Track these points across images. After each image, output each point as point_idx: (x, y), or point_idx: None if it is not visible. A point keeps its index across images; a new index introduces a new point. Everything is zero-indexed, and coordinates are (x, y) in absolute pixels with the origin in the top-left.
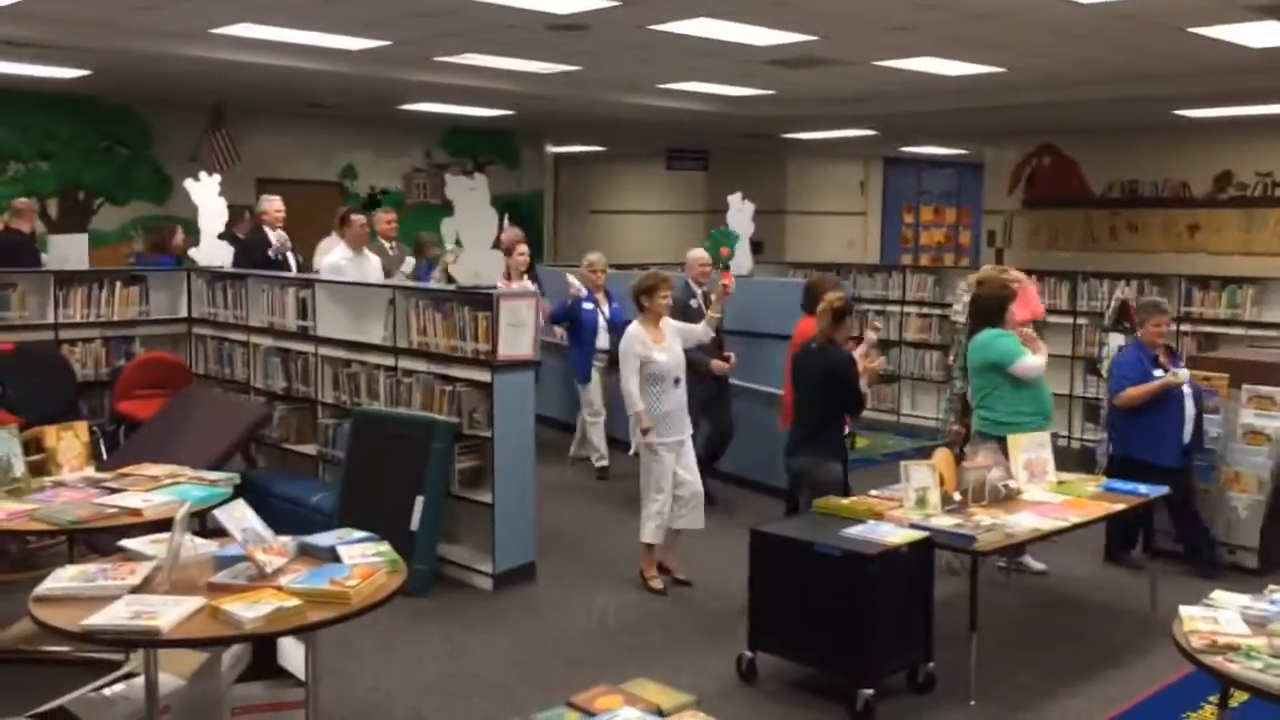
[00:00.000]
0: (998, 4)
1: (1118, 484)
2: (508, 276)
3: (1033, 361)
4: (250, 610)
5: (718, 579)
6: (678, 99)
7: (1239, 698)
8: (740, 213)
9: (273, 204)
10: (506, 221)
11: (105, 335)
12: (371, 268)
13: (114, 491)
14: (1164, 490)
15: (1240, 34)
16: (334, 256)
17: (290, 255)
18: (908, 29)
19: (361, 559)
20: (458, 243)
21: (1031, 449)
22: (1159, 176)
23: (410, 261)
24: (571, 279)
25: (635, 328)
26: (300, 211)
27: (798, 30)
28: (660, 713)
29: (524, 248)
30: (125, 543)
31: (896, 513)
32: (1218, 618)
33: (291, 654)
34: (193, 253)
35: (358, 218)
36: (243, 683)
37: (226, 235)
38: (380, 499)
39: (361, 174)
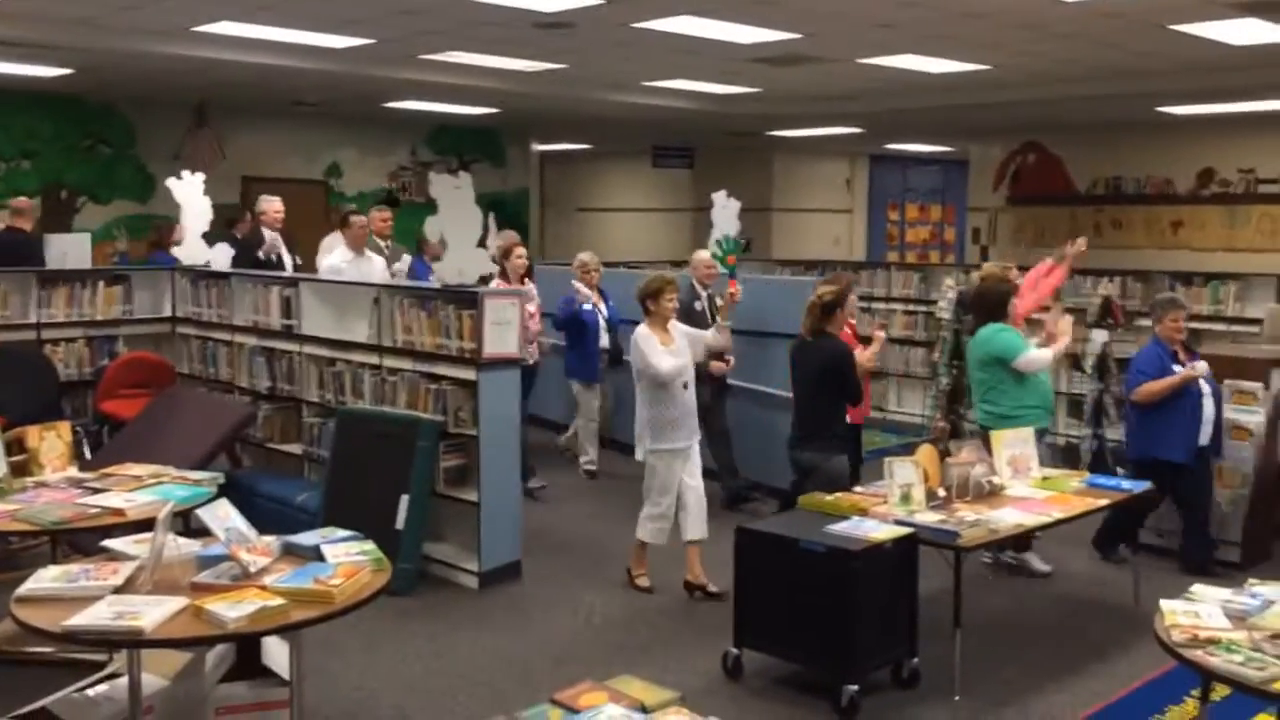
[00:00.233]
0: (982, 2)
1: (1101, 479)
2: (506, 279)
3: (1037, 355)
4: (234, 610)
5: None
6: (663, 97)
7: (1221, 691)
8: (725, 210)
9: (272, 205)
10: (493, 220)
11: (88, 335)
12: (373, 269)
13: (97, 492)
14: (1147, 485)
15: (1222, 31)
16: (334, 258)
17: (286, 256)
18: (892, 26)
19: (346, 558)
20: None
21: (1015, 445)
22: (1142, 173)
23: (407, 259)
24: (580, 286)
25: (644, 330)
26: (286, 210)
27: (782, 28)
28: (644, 709)
29: (522, 250)
30: (108, 543)
31: (881, 509)
32: (1199, 612)
33: (276, 653)
34: (175, 252)
35: (358, 218)
36: (227, 682)
37: (226, 236)
38: (365, 498)
39: (347, 172)
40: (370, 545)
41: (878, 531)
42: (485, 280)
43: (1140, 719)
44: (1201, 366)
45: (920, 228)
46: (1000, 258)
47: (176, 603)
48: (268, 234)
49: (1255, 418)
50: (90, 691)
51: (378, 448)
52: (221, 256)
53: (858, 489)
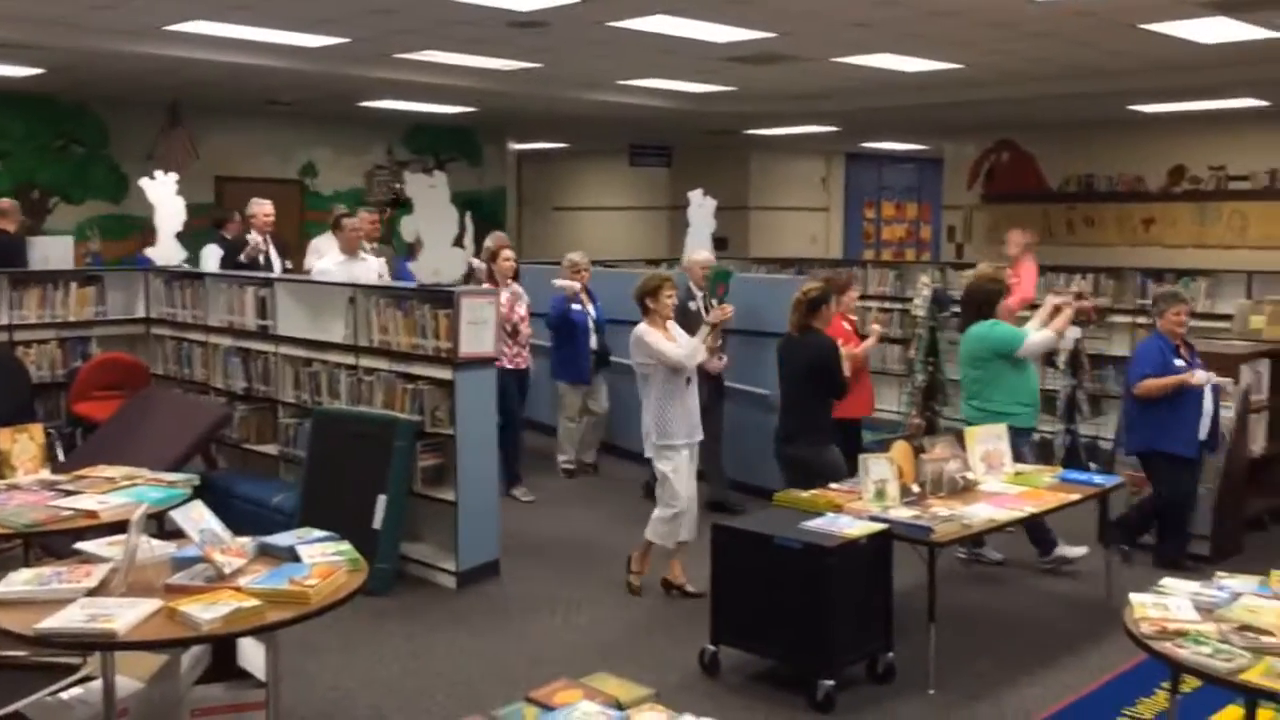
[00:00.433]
0: (956, 1)
1: (1074, 474)
2: (494, 281)
3: (1037, 338)
4: (208, 611)
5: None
6: (639, 95)
7: (1191, 683)
8: (701, 208)
9: (262, 208)
10: (469, 220)
11: (61, 336)
12: (365, 271)
13: (70, 494)
14: (1119, 480)
15: (1192, 30)
16: (325, 262)
17: (275, 260)
18: (867, 25)
19: (321, 558)
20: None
21: (989, 440)
22: (1114, 171)
23: (383, 262)
24: (563, 283)
25: (644, 327)
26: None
27: (757, 27)
28: (619, 706)
29: (509, 252)
30: (81, 545)
31: (856, 505)
32: (1168, 605)
33: (252, 655)
34: (149, 252)
35: (350, 221)
36: (202, 684)
37: (215, 237)
38: (342, 498)
39: (322, 172)
40: (346, 545)
41: (852, 528)
42: (469, 278)
43: (1112, 711)
44: (1200, 375)
45: (896, 226)
46: (976, 254)
47: (150, 605)
48: (250, 237)
49: (1225, 413)
50: (64, 695)
51: (354, 448)
52: (211, 257)
53: (834, 485)
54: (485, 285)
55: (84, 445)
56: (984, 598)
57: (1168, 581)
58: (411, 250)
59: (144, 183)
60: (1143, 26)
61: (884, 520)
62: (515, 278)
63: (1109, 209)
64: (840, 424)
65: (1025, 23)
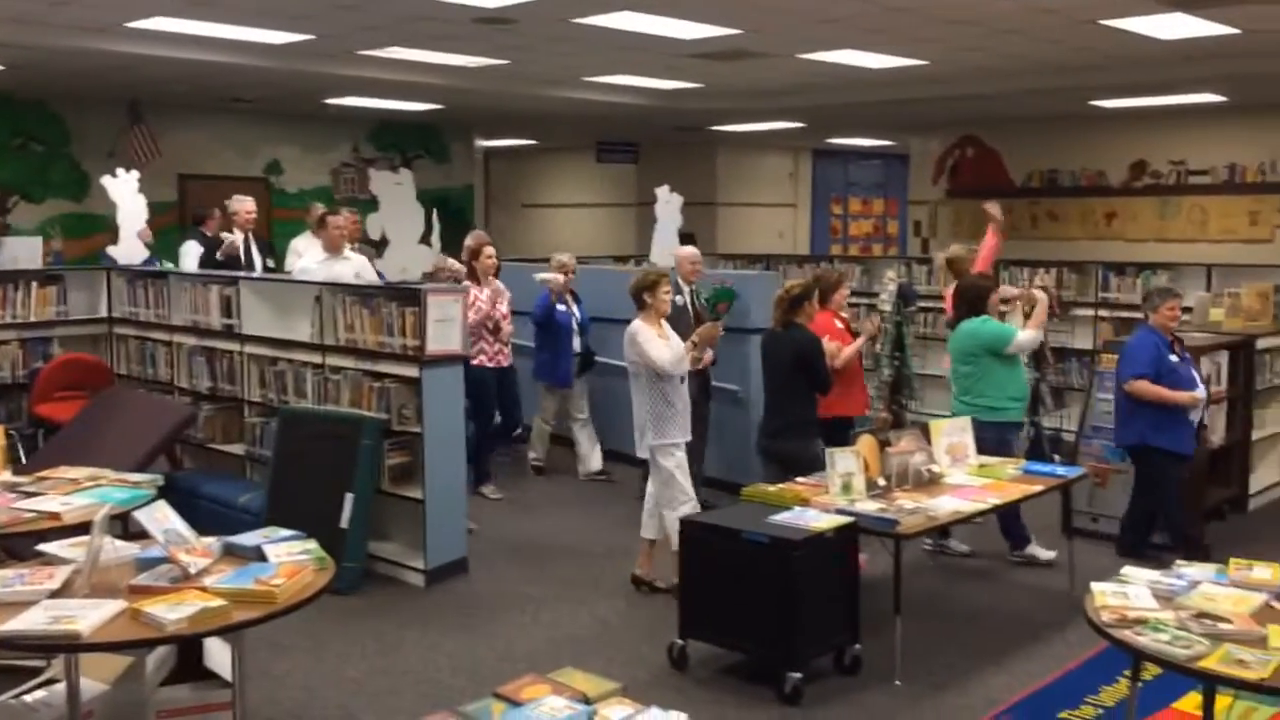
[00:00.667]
0: None
1: (1037, 466)
2: (476, 279)
3: (1026, 336)
4: (173, 612)
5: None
6: (606, 92)
7: (1152, 670)
8: (668, 205)
9: (244, 205)
10: (435, 217)
11: (22, 336)
12: (348, 270)
13: (32, 495)
14: (1082, 471)
15: (1151, 26)
16: (305, 261)
17: (257, 258)
18: (832, 21)
19: (288, 557)
20: (383, 239)
21: (954, 433)
22: (1077, 166)
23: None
24: (546, 276)
25: (638, 324)
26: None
27: (723, 24)
28: (586, 700)
29: (491, 249)
30: (44, 547)
31: (822, 499)
32: (1128, 593)
33: (218, 655)
34: (111, 250)
35: (333, 219)
36: (168, 686)
37: (195, 234)
38: (309, 497)
39: (287, 170)
40: (313, 544)
41: (819, 521)
42: (432, 275)
43: (1075, 699)
44: (1201, 394)
45: (863, 221)
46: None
47: (115, 606)
48: (226, 236)
49: None
50: (28, 698)
51: (321, 447)
52: (189, 255)
53: (800, 479)
54: (466, 283)
55: (46, 446)
56: (949, 589)
57: (1128, 570)
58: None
59: (105, 181)
60: (1103, 23)
61: (850, 513)
62: (496, 275)
63: (1072, 203)
64: (834, 422)
65: (988, 19)
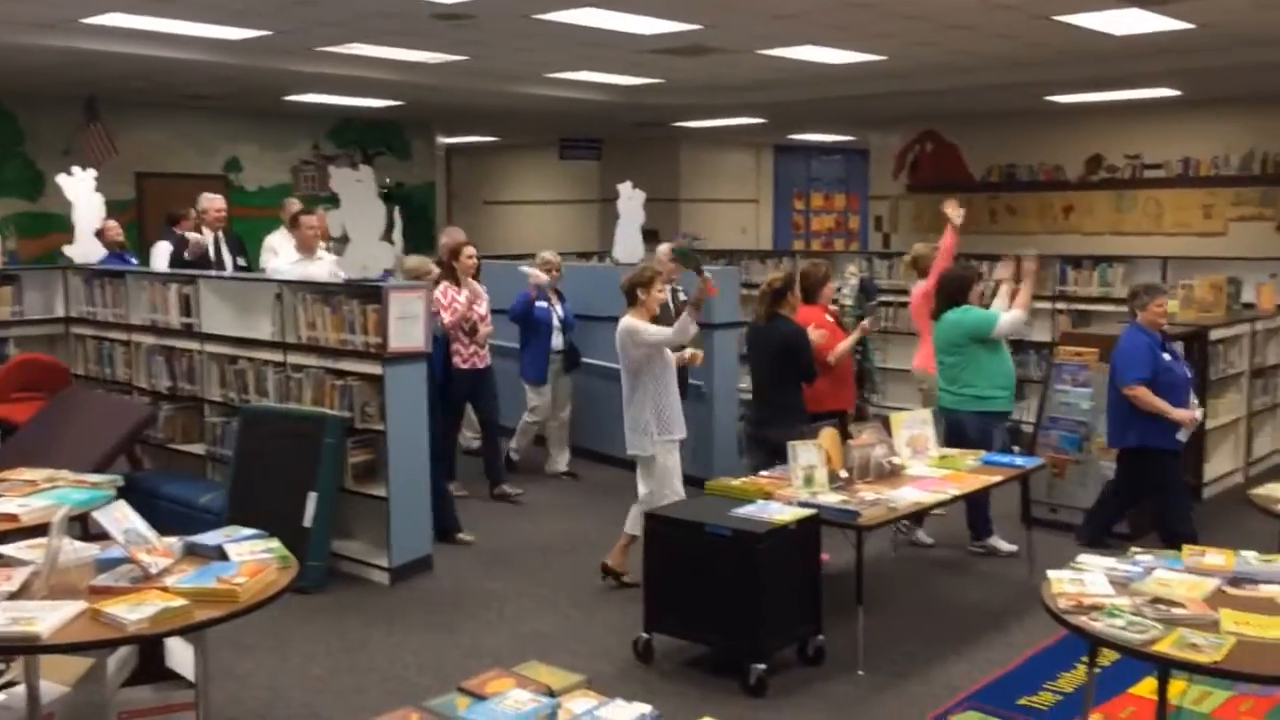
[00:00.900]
0: None
1: (996, 457)
2: (454, 280)
3: (1010, 318)
4: (134, 612)
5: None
6: (567, 88)
7: (1109, 656)
8: (631, 201)
9: (214, 204)
10: (397, 214)
11: None
12: (319, 270)
13: None
14: (1040, 461)
15: (1105, 22)
16: (279, 262)
17: (227, 257)
18: (791, 17)
19: (250, 556)
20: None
21: (914, 426)
22: (1035, 160)
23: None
24: (531, 270)
25: (630, 318)
26: (184, 206)
27: (684, 20)
28: (551, 693)
29: (472, 250)
30: (1, 549)
31: (785, 491)
32: (1084, 580)
33: (181, 656)
34: (67, 250)
35: (306, 219)
36: (130, 687)
37: (168, 234)
38: (272, 497)
39: (246, 167)
40: (275, 543)
41: (781, 514)
42: (391, 272)
43: (1035, 685)
44: (1198, 416)
45: (825, 216)
46: (903, 244)
47: (74, 607)
48: (192, 236)
49: None
50: None
51: (283, 446)
52: (160, 254)
53: (763, 473)
54: (445, 284)
55: (3, 448)
56: (910, 580)
57: (1084, 558)
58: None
59: (61, 180)
60: (1058, 19)
61: (812, 505)
62: (476, 276)
63: (1030, 198)
64: (826, 416)
65: (943, 15)
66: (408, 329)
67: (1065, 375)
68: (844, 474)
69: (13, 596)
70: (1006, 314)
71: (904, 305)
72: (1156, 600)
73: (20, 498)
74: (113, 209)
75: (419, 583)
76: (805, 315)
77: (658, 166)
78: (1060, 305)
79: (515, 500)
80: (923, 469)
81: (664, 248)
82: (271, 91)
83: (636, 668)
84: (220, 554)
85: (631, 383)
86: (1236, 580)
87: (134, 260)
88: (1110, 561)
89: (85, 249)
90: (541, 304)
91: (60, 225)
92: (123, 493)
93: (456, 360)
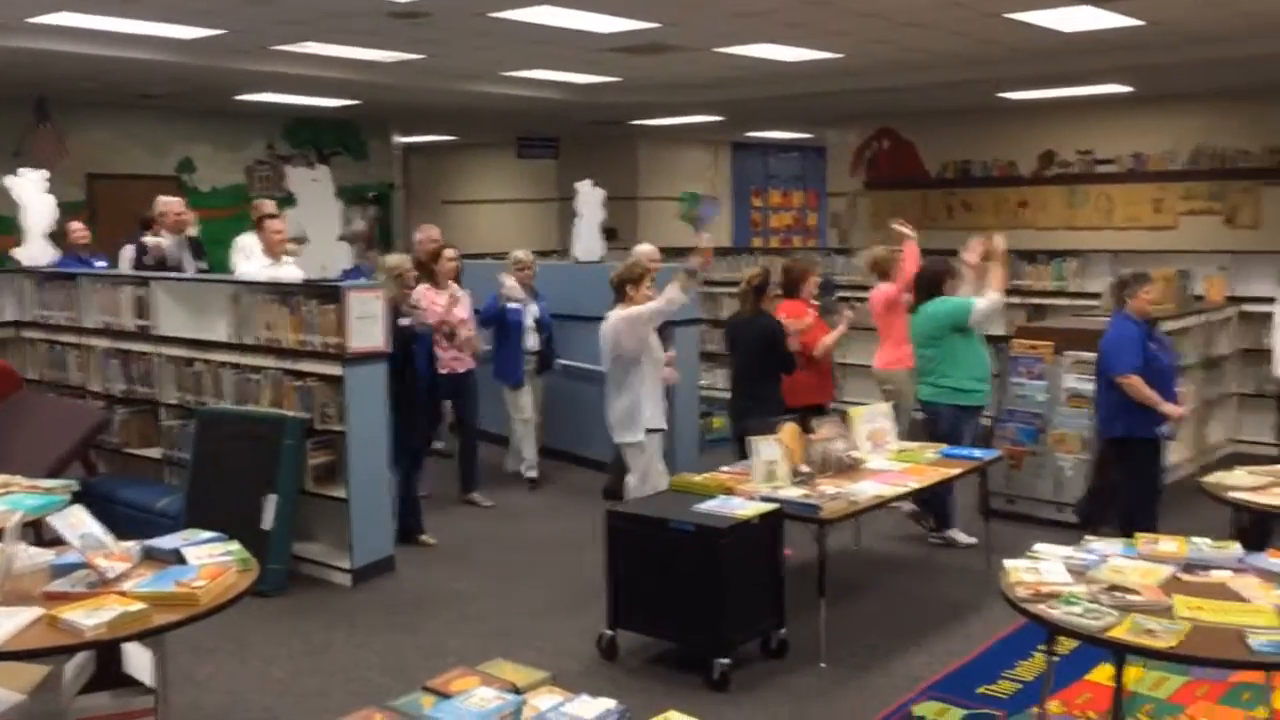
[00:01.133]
0: None
1: (955, 450)
2: (434, 283)
3: (986, 303)
4: (91, 618)
5: (575, 558)
6: (525, 87)
7: (1066, 645)
8: (590, 199)
9: (172, 207)
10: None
11: None
12: (292, 276)
13: None
14: (997, 454)
15: (1056, 19)
16: (251, 266)
17: (189, 261)
18: (748, 15)
19: (209, 559)
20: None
21: (874, 420)
22: (989, 157)
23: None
24: (507, 281)
25: (618, 311)
26: (136, 207)
27: (640, 17)
28: (516, 690)
29: (453, 252)
30: None
31: (747, 487)
32: (1040, 569)
33: (139, 661)
34: (15, 253)
35: (272, 223)
36: (87, 693)
37: (136, 238)
38: (230, 500)
39: (200, 167)
40: (235, 545)
41: (744, 509)
42: (399, 277)
43: (994, 674)
44: (1185, 412)
45: (784, 213)
46: (862, 242)
47: (30, 613)
48: (151, 241)
49: (1093, 386)
50: None
51: (241, 448)
52: (125, 258)
53: (724, 468)
54: (424, 287)
55: None
56: (871, 573)
57: (1041, 547)
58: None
59: (9, 181)
60: (1010, 16)
61: (774, 500)
62: (457, 279)
63: (985, 193)
64: (808, 410)
65: (897, 12)
66: (367, 329)
67: (1021, 368)
68: (805, 468)
69: None
70: (982, 298)
71: (862, 300)
72: (1112, 587)
73: None
74: (64, 210)
75: (381, 584)
76: (788, 309)
77: (615, 165)
78: (1015, 299)
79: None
80: (882, 462)
81: (644, 247)
82: (224, 91)
83: (601, 665)
84: (179, 558)
85: (621, 375)
86: (1190, 566)
87: (103, 264)
88: (1067, 550)
89: (35, 251)
90: (513, 305)
91: (8, 228)
92: (78, 498)
93: (436, 364)
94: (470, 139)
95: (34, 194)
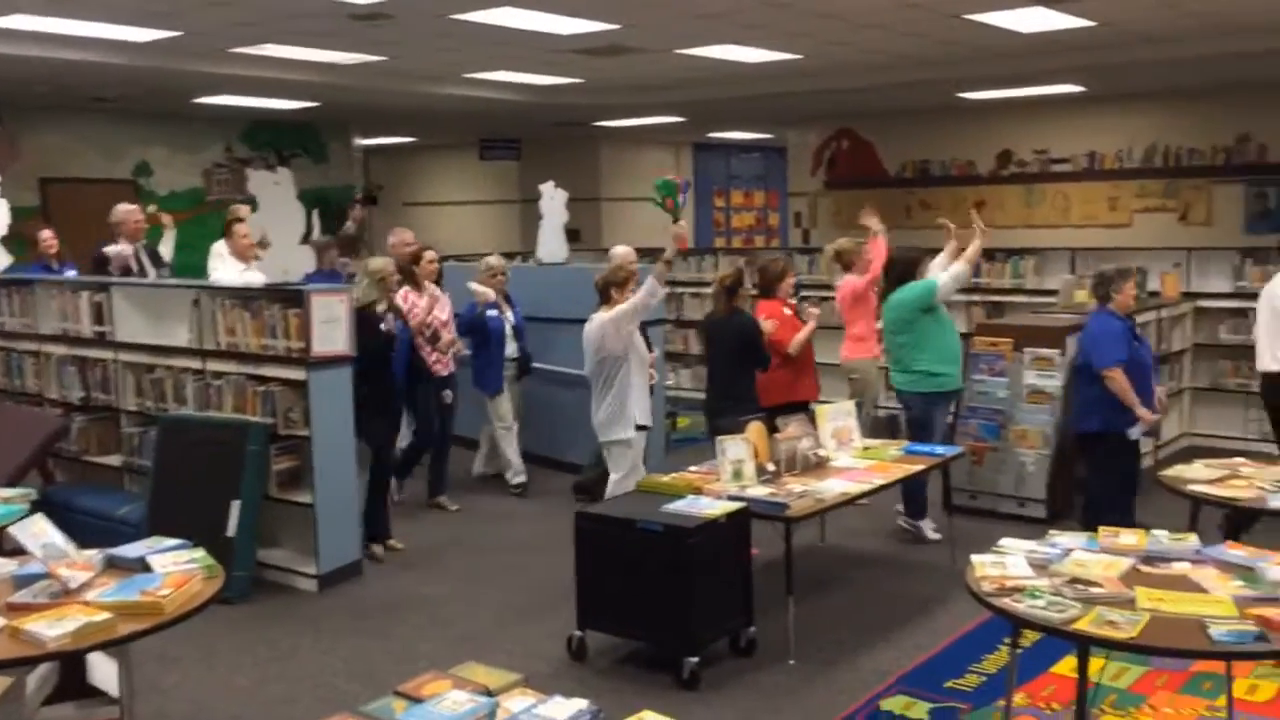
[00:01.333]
0: None
1: (918, 447)
2: (416, 286)
3: (948, 277)
4: (54, 628)
5: (543, 560)
6: (486, 89)
7: (1030, 637)
8: (553, 200)
9: (131, 215)
10: (316, 217)
11: None
12: (259, 281)
13: None
14: (959, 450)
15: (1013, 20)
16: (225, 273)
17: (150, 268)
18: (708, 17)
19: (175, 567)
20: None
21: (839, 418)
22: (947, 156)
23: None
24: (477, 287)
25: (602, 313)
26: (92, 211)
27: (601, 19)
28: (489, 693)
29: (432, 254)
30: None
31: (715, 486)
32: (1005, 563)
33: (103, 671)
34: None
35: (240, 227)
36: (50, 705)
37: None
38: (193, 507)
39: (156, 171)
40: (201, 553)
41: (712, 508)
42: (382, 281)
43: (960, 668)
44: (1155, 417)
45: (745, 213)
46: (822, 239)
47: None
48: (112, 250)
49: (1053, 382)
50: None
51: (204, 455)
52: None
53: (692, 468)
54: (405, 290)
55: None
56: (839, 569)
57: (1005, 541)
58: (320, 252)
59: None
60: (967, 17)
61: (742, 499)
62: (438, 281)
63: (944, 192)
64: (786, 408)
65: (856, 14)
66: (331, 333)
67: (982, 365)
68: (771, 467)
69: None
70: (946, 274)
71: (825, 299)
72: (1075, 580)
73: None
74: (17, 216)
75: (348, 589)
76: (764, 309)
77: (578, 166)
78: (975, 298)
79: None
80: (848, 460)
81: (622, 249)
82: (181, 93)
83: (571, 666)
84: (143, 566)
85: (607, 375)
86: (1149, 559)
87: (73, 273)
88: (1030, 544)
89: None
90: (492, 312)
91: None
92: (36, 507)
93: (422, 367)
94: (431, 140)
95: None
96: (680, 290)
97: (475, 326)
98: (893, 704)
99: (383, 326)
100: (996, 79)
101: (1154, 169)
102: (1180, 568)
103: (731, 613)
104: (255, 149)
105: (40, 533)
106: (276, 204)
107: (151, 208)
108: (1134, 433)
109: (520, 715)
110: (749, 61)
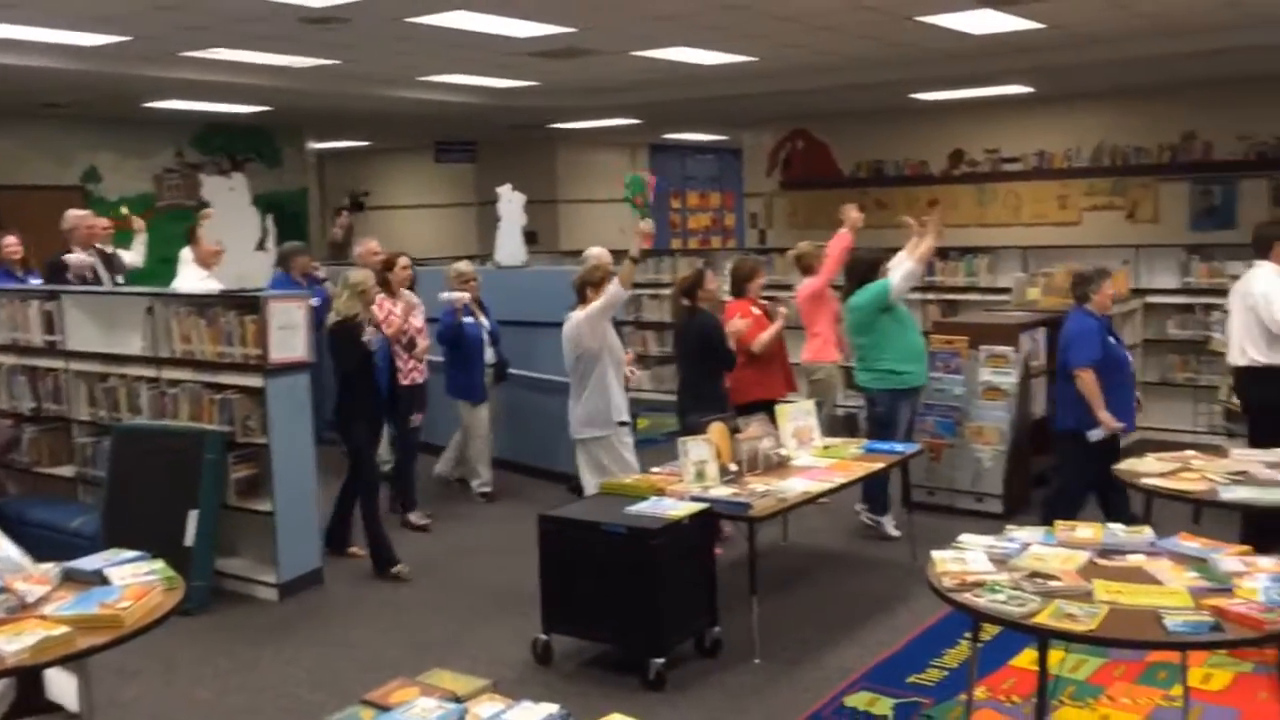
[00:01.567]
0: None
1: (878, 445)
2: (390, 292)
3: (901, 275)
4: (12, 643)
5: (507, 565)
6: (441, 91)
7: (990, 631)
8: (510, 203)
9: (83, 221)
10: (270, 222)
11: None
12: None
13: None
14: (918, 447)
15: (963, 22)
16: (193, 282)
17: (105, 276)
18: (663, 19)
19: (133, 579)
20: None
21: (799, 418)
22: (901, 156)
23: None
24: (450, 296)
25: (579, 312)
26: (39, 218)
27: (556, 22)
28: (457, 699)
29: (406, 260)
30: None
31: (678, 487)
32: (965, 558)
33: (61, 686)
34: None
35: (201, 233)
36: None
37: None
38: (149, 517)
39: (106, 176)
40: (159, 564)
41: (675, 509)
42: (362, 293)
43: (921, 663)
44: (1121, 427)
45: (701, 214)
46: (778, 239)
47: None
48: (71, 258)
49: (1008, 379)
50: None
51: (160, 464)
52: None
53: (655, 469)
54: (380, 297)
55: None
56: (802, 568)
57: (965, 537)
58: (284, 258)
59: None
60: (919, 19)
61: (705, 500)
62: (412, 287)
63: (898, 192)
64: (753, 406)
65: (810, 16)
66: (289, 339)
67: (938, 363)
68: (734, 467)
69: None
70: (898, 272)
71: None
72: (1034, 574)
73: None
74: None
75: (309, 597)
76: (735, 308)
77: (534, 168)
78: (930, 296)
79: (424, 528)
80: (809, 459)
81: (597, 250)
82: (130, 98)
83: (536, 670)
84: (101, 579)
85: (584, 371)
86: (1105, 552)
87: (37, 281)
88: (989, 540)
89: None
90: (469, 319)
91: None
92: None
93: (398, 376)
94: (386, 144)
95: None
96: (639, 292)
97: (453, 335)
98: (857, 700)
99: (364, 338)
100: (948, 80)
101: (1102, 168)
102: (1135, 560)
103: (696, 613)
104: (208, 153)
105: None
106: (231, 209)
107: (123, 210)
108: (1093, 435)
109: None
110: (705, 63)
